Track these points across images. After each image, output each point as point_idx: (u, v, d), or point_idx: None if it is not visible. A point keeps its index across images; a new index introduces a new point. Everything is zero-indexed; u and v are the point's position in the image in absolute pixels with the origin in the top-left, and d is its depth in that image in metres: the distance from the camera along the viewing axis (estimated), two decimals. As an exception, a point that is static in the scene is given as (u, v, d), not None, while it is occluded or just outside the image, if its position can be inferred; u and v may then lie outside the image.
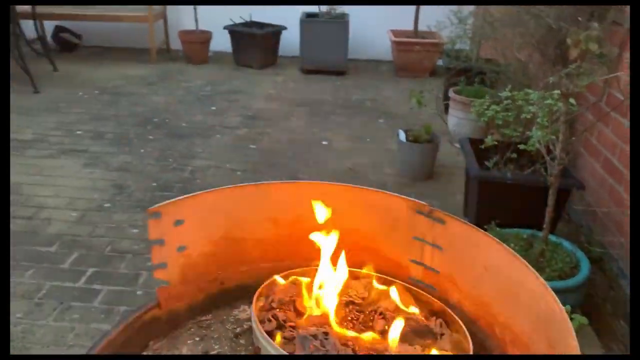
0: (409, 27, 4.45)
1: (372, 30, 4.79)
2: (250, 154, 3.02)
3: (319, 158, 3.00)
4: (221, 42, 4.72)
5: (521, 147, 1.96)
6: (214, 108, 3.67)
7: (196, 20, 4.62)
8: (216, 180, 2.70)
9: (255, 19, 4.70)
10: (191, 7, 4.61)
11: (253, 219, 0.84)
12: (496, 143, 2.07)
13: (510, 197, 1.97)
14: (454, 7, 3.18)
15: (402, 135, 2.76)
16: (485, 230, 1.80)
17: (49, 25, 4.86)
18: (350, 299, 0.82)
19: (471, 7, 3.54)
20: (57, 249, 2.09)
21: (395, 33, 4.49)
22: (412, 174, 2.76)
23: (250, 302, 0.77)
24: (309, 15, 4.50)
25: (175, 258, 0.78)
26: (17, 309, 1.74)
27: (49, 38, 4.78)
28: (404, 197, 0.81)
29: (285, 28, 4.64)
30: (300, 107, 3.75)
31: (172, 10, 4.91)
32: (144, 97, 3.83)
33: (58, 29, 4.91)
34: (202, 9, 4.65)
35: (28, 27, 4.45)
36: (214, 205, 0.82)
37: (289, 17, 4.63)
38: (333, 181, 2.71)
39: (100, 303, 1.81)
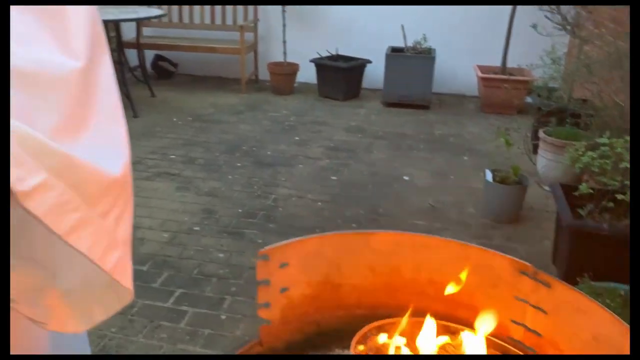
0: (496, 62, 4.38)
1: (457, 65, 4.77)
2: (331, 185, 3.08)
3: (399, 193, 2.99)
4: (307, 74, 4.87)
5: (619, 197, 1.87)
6: (297, 138, 3.78)
7: (284, 53, 4.81)
8: (298, 210, 2.77)
9: (342, 52, 4.82)
10: (281, 40, 4.81)
11: (352, 265, 0.87)
12: (591, 191, 1.98)
13: (606, 248, 1.87)
14: (547, 47, 3.10)
15: (489, 176, 2.70)
16: (577, 283, 1.72)
17: (149, 54, 5.24)
18: (446, 352, 0.81)
19: (565, 48, 3.44)
20: (149, 268, 2.22)
21: (482, 69, 4.44)
22: (497, 215, 2.69)
23: (344, 346, 0.78)
24: (395, 50, 4.55)
25: (278, 299, 0.82)
26: (112, 324, 1.86)
27: (148, 66, 5.16)
28: (508, 255, 0.80)
29: (369, 62, 4.72)
30: (382, 140, 3.77)
31: (262, 42, 5.14)
32: (233, 125, 4.02)
33: (157, 58, 5.28)
34: (290, 42, 4.83)
35: (132, 56, 4.84)
36: (316, 249, 0.85)
37: (374, 51, 4.71)
38: (414, 218, 2.68)
39: (186, 324, 1.90)
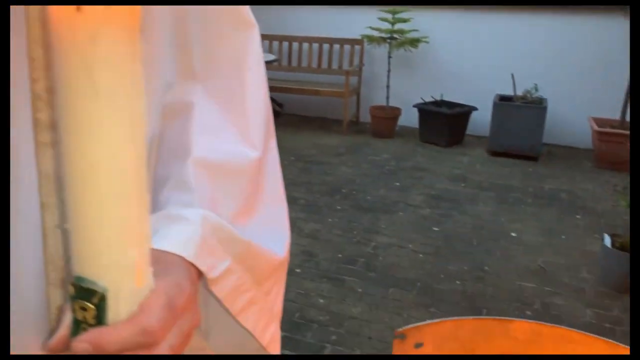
0: (614, 115, 4.11)
1: (570, 116, 4.53)
2: (433, 236, 3.00)
3: (506, 250, 2.85)
4: (409, 118, 4.86)
5: None
6: (398, 184, 3.74)
7: (387, 97, 4.84)
8: (398, 260, 2.72)
9: (446, 98, 4.77)
10: (384, 84, 4.86)
11: (488, 351, 0.82)
12: None
13: None
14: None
15: (608, 241, 2.50)
16: None
17: (258, 94, 5.50)
18: None
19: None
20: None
21: (598, 121, 4.18)
22: (616, 284, 2.46)
23: None
24: (503, 98, 4.43)
25: (410, 380, 0.79)
26: None
27: (256, 105, 5.40)
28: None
29: (475, 109, 4.62)
30: (487, 192, 3.64)
31: (366, 86, 5.22)
32: (334, 167, 4.07)
33: (265, 97, 5.53)
34: (394, 86, 4.86)
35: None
36: (452, 332, 0.82)
37: (480, 98, 4.61)
38: (522, 279, 2.53)
39: (286, 371, 1.90)
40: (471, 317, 0.82)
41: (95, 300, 0.37)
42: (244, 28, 0.60)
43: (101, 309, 0.37)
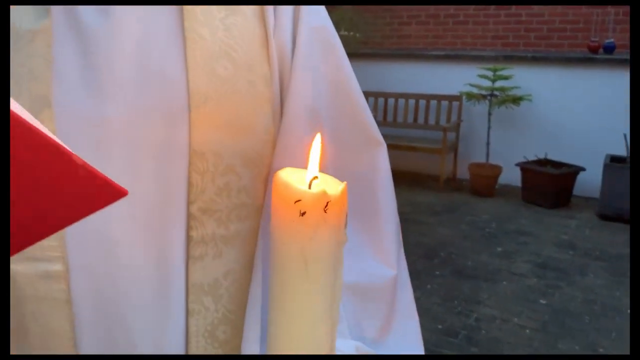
0: None
1: (693, 180, 4.16)
2: (540, 309, 2.83)
3: (623, 330, 2.62)
4: (509, 176, 4.71)
5: None
6: (500, 249, 3.60)
7: (487, 155, 4.73)
8: (503, 335, 2.59)
9: (551, 156, 4.58)
10: (483, 141, 4.77)
11: None
12: None
13: None
14: None
15: None
16: None
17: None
18: None
19: None
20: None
21: None
22: None
23: None
24: (615, 159, 4.17)
25: None
26: None
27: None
28: None
29: (583, 169, 4.38)
30: (599, 262, 3.39)
31: (463, 142, 5.14)
32: (431, 227, 4.01)
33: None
34: (494, 143, 4.75)
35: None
36: None
37: (588, 157, 4.38)
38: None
39: None
40: None
41: None
42: (374, 146, 0.63)
43: None
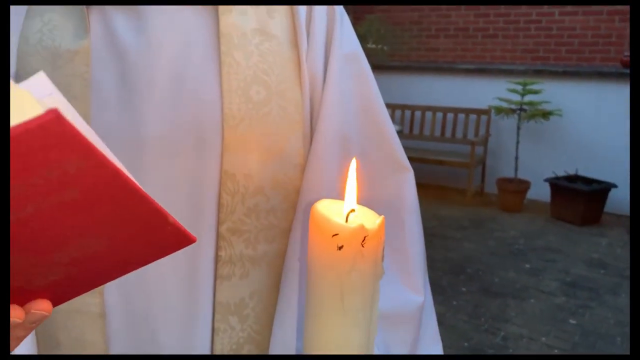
0: None
1: None
2: (569, 330, 2.76)
3: (658, 354, 2.53)
4: (538, 192, 4.63)
5: None
6: (528, 266, 3.54)
7: (516, 169, 4.67)
8: (530, 354, 2.53)
9: (582, 172, 4.49)
10: (512, 155, 4.71)
11: None
12: None
13: None
14: None
15: None
16: None
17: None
18: None
19: None
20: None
21: None
22: None
23: None
24: (649, 177, 4.06)
25: None
26: None
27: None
28: None
29: (615, 186, 4.28)
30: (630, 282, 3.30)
31: (491, 156, 5.09)
32: (457, 242, 3.96)
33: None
34: (523, 158, 4.69)
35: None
36: None
37: (620, 173, 4.28)
38: None
39: None
40: None
41: None
42: (401, 173, 0.63)
43: None
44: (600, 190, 4.29)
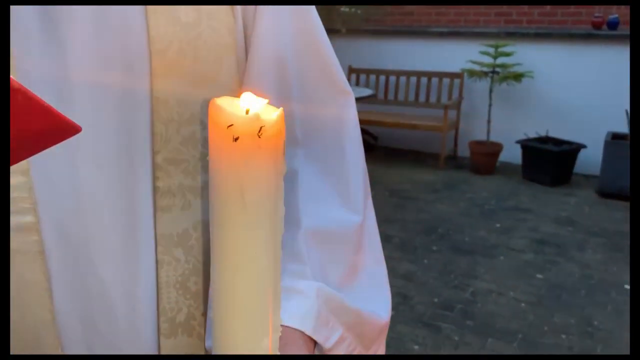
0: None
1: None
2: (536, 284, 2.83)
3: (618, 304, 2.62)
4: (510, 154, 4.68)
5: None
6: (498, 225, 3.60)
7: (488, 132, 4.70)
8: (498, 308, 2.60)
9: (552, 134, 4.54)
10: (484, 119, 4.73)
11: None
12: None
13: None
14: None
15: None
16: None
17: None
18: None
19: None
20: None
21: None
22: None
23: None
24: (616, 136, 4.13)
25: None
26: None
27: (353, 138, 5.48)
28: None
29: (584, 146, 4.35)
30: (597, 238, 3.39)
31: (465, 120, 5.11)
32: (430, 204, 4.01)
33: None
34: (495, 121, 4.72)
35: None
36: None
37: (590, 135, 4.35)
38: None
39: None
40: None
41: None
42: (342, 96, 0.63)
43: None
44: (569, 151, 4.35)
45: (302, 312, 0.50)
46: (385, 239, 3.37)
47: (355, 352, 0.57)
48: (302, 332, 0.50)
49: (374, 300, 0.62)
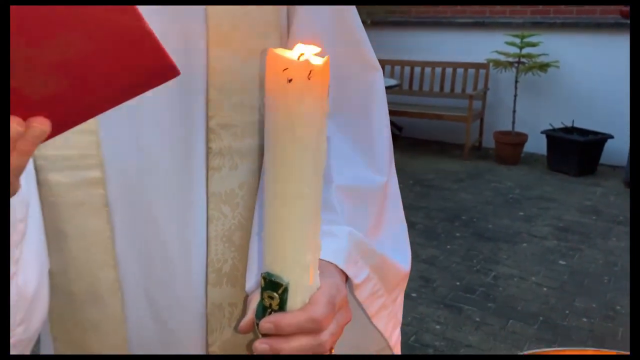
0: None
1: None
2: (558, 269, 2.86)
3: (642, 291, 2.63)
4: (535, 144, 4.67)
5: None
6: (521, 214, 3.62)
7: (513, 122, 4.70)
8: (520, 292, 2.64)
9: (578, 124, 4.52)
10: (510, 109, 4.73)
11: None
12: None
13: None
14: None
15: None
16: None
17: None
18: None
19: None
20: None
21: None
22: None
23: None
24: (644, 126, 4.09)
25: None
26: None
27: (377, 129, 5.53)
28: None
29: (611, 137, 4.32)
30: (622, 226, 3.38)
31: (490, 111, 5.11)
32: (454, 192, 4.04)
33: (385, 121, 5.63)
34: (520, 111, 4.71)
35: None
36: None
37: (616, 125, 4.32)
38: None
39: (401, 391, 1.94)
40: (595, 349, 0.82)
41: (280, 291, 0.48)
42: (371, 71, 0.69)
43: (283, 298, 0.48)
44: (596, 141, 4.33)
45: (334, 249, 0.57)
46: (409, 225, 3.37)
47: (379, 293, 0.64)
48: (335, 265, 0.57)
49: (397, 252, 0.69)
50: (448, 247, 3.12)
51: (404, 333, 2.28)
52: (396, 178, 0.74)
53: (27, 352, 0.57)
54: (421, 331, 2.31)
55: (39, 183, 0.58)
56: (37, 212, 0.58)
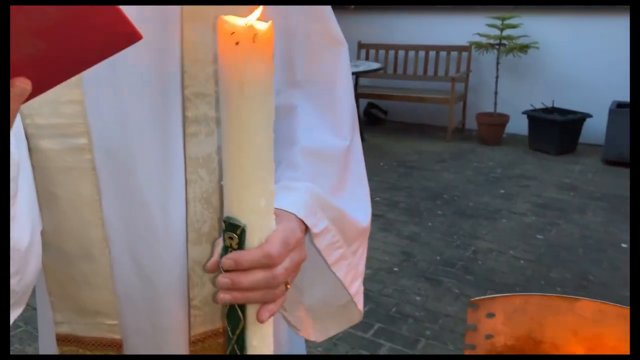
0: None
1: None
2: (536, 244, 2.97)
3: (614, 261, 2.75)
4: (517, 125, 4.77)
5: None
6: (502, 191, 3.72)
7: (495, 104, 4.79)
8: (498, 265, 2.74)
9: (558, 104, 4.62)
10: (492, 91, 4.82)
11: (554, 326, 0.91)
12: None
13: None
14: None
15: None
16: None
17: (362, 102, 5.69)
18: None
19: None
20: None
21: None
22: None
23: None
24: (621, 105, 4.20)
25: (483, 344, 0.91)
26: (319, 344, 2.10)
27: (361, 113, 5.60)
28: None
29: (590, 116, 4.43)
30: (598, 202, 3.50)
31: (472, 93, 5.20)
32: (436, 173, 4.13)
33: (369, 105, 5.70)
34: (502, 93, 4.80)
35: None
36: (521, 306, 0.92)
37: (595, 104, 4.42)
38: (628, 290, 2.47)
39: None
40: (540, 294, 0.91)
41: (238, 232, 0.55)
42: (336, 46, 0.76)
43: (241, 239, 0.55)
44: (575, 120, 4.43)
45: (294, 200, 0.64)
46: (392, 204, 3.52)
47: (338, 244, 0.71)
48: (294, 215, 0.64)
49: (356, 209, 0.76)
50: (429, 224, 3.21)
51: (385, 304, 2.37)
52: (360, 143, 0.81)
53: (22, 305, 0.63)
54: (402, 302, 2.40)
55: (31, 149, 0.64)
56: (29, 175, 0.64)
